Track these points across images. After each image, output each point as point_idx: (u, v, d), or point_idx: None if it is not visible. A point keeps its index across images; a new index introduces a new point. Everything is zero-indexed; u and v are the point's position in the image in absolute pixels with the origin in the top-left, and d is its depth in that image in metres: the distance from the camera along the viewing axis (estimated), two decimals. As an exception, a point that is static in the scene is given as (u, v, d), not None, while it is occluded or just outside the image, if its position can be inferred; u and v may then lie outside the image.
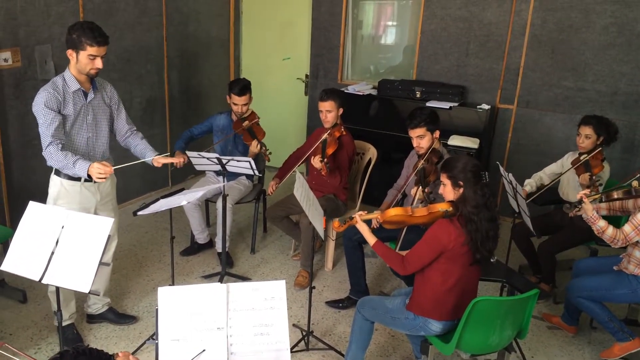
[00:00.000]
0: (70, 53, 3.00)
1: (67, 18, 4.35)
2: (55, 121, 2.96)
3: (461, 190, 2.68)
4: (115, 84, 4.90)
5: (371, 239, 2.89)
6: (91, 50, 2.95)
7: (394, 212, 2.88)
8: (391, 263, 2.83)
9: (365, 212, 3.03)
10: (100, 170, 2.90)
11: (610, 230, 3.07)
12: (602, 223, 3.08)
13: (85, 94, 3.12)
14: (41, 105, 2.95)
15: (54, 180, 3.15)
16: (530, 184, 4.03)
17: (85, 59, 2.97)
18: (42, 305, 3.63)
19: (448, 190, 2.75)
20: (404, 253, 2.83)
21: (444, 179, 2.76)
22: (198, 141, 4.61)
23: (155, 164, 3.26)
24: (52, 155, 2.95)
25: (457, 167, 2.69)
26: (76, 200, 3.13)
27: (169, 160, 3.28)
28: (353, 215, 2.97)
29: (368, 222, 2.94)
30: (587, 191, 3.12)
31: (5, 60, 3.99)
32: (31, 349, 3.31)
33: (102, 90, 3.24)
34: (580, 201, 3.07)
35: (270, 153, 4.21)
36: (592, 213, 3.06)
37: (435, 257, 2.67)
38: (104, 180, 2.98)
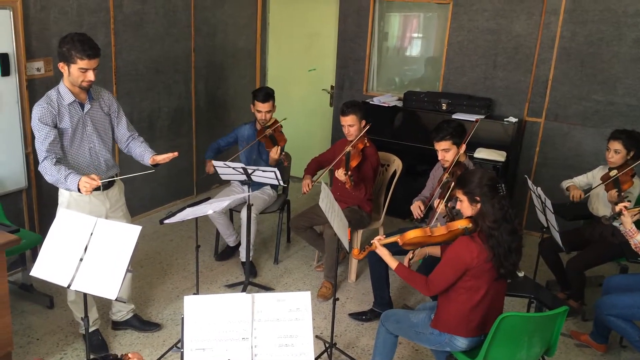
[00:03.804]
0: (62, 66, 2.96)
1: (99, 29, 4.44)
2: (50, 136, 2.94)
3: (479, 205, 2.64)
4: (144, 93, 5.04)
5: (393, 263, 2.85)
6: (82, 63, 2.90)
7: (413, 234, 2.82)
8: (415, 285, 2.78)
9: (384, 236, 3.00)
10: (87, 183, 2.82)
11: None
12: None
13: (82, 105, 3.08)
14: (36, 121, 2.94)
15: (62, 191, 3.14)
16: (573, 182, 3.98)
17: (76, 72, 2.93)
18: (68, 311, 3.66)
19: (465, 206, 2.71)
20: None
21: (460, 195, 2.72)
22: (223, 152, 4.66)
23: (152, 163, 3.15)
24: (47, 169, 2.93)
25: (472, 182, 2.65)
26: (86, 210, 3.06)
27: (165, 156, 3.10)
28: (372, 241, 2.92)
29: (388, 246, 2.90)
30: (627, 203, 3.05)
31: (38, 69, 4.08)
32: (57, 354, 3.35)
33: (99, 99, 3.19)
34: (620, 213, 3.00)
35: (289, 158, 4.18)
36: (631, 226, 2.99)
37: (460, 276, 2.63)
38: (89, 192, 2.87)
